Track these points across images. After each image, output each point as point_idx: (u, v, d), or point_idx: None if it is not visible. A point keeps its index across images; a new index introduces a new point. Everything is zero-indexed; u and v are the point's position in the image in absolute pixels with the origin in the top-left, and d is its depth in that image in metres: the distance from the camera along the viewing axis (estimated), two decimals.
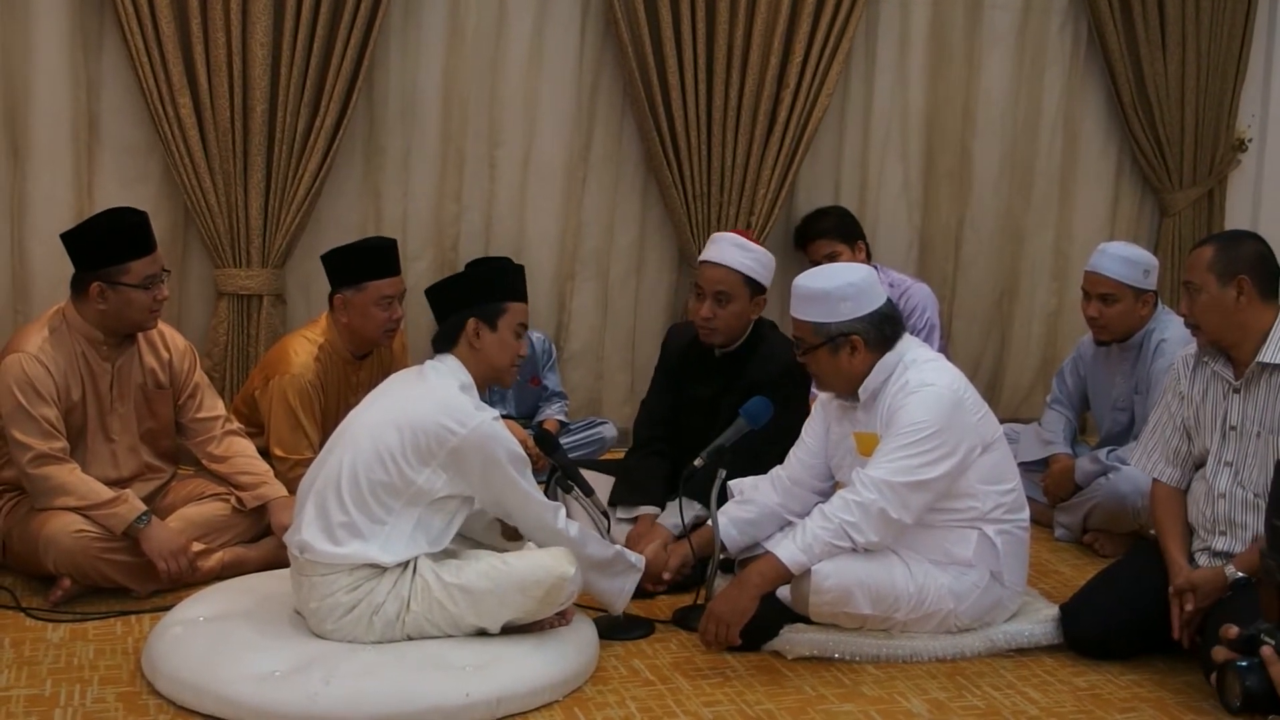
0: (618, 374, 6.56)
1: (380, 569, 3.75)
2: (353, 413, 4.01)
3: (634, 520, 4.77)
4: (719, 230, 6.27)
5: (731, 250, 4.83)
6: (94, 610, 4.30)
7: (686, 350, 5.04)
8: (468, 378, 3.94)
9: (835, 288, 4.14)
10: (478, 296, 3.98)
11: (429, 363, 4.01)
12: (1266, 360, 3.98)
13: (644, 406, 5.22)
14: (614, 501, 4.87)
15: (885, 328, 4.17)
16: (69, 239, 4.46)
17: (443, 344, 4.00)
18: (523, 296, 4.08)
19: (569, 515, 4.34)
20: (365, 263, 4.98)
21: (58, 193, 5.67)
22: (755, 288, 4.84)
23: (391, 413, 3.84)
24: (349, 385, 5.05)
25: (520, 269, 4.14)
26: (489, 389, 5.17)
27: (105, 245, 4.40)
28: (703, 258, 4.91)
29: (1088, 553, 5.24)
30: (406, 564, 3.79)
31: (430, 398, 3.85)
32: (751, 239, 4.96)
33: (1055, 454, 5.50)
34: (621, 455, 5.36)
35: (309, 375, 4.93)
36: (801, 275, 4.24)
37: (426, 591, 3.76)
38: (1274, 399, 3.99)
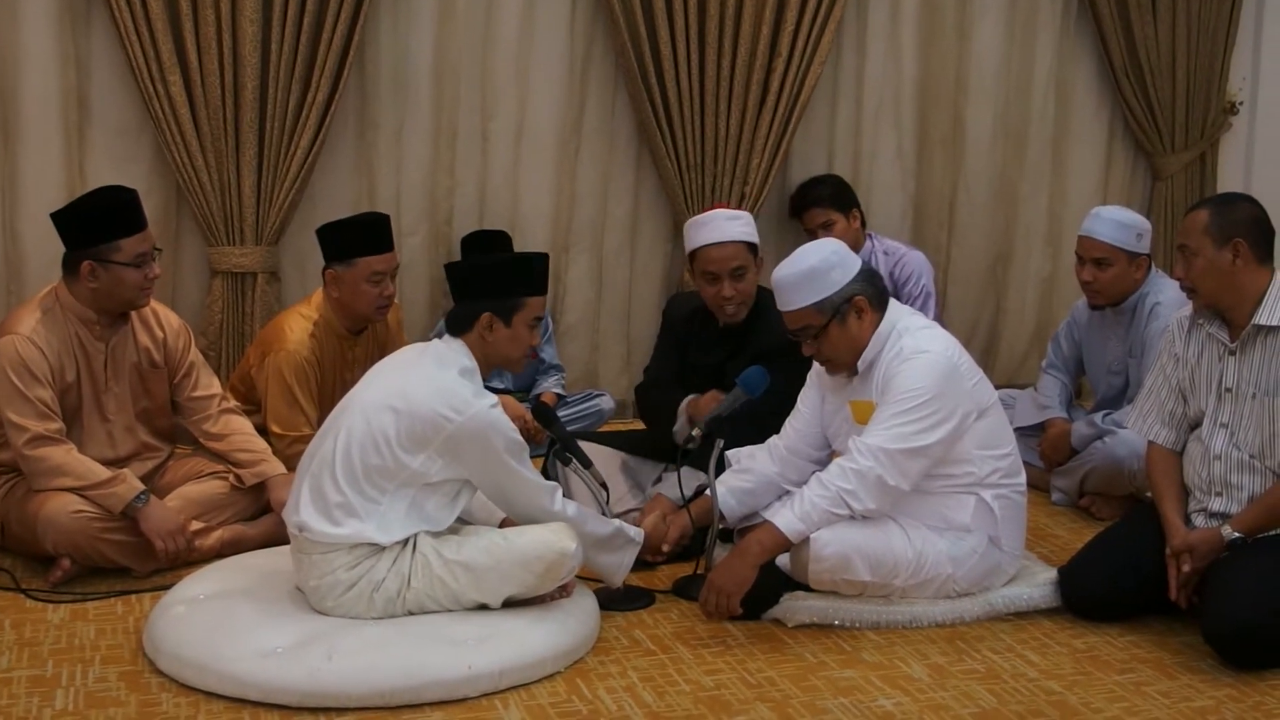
0: (614, 346, 6.56)
1: (379, 547, 3.76)
2: (351, 392, 3.99)
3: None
4: (710, 204, 6.29)
5: (726, 225, 4.80)
6: (94, 590, 4.30)
7: (690, 320, 5.04)
8: (471, 363, 3.91)
9: (820, 260, 4.12)
10: (496, 290, 3.93)
11: (435, 342, 3.99)
12: (1263, 322, 3.99)
13: (648, 372, 5.20)
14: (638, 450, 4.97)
15: (876, 281, 4.20)
16: (59, 218, 4.44)
17: (455, 328, 3.95)
18: (543, 290, 4.04)
19: (569, 488, 4.36)
20: (356, 238, 4.95)
21: (49, 173, 5.66)
22: (755, 250, 4.85)
23: (389, 395, 3.83)
24: (345, 361, 5.04)
25: (546, 260, 4.09)
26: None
27: (95, 224, 4.39)
28: (701, 243, 4.82)
29: (1085, 516, 5.26)
30: (406, 541, 3.79)
31: (429, 383, 3.83)
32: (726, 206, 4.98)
33: (1051, 419, 5.52)
34: (619, 427, 5.35)
35: (304, 352, 4.92)
36: (778, 268, 4.18)
37: (427, 568, 3.77)
38: (1270, 361, 4.00)
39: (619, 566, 4.14)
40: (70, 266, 4.43)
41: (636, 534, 4.18)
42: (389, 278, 4.99)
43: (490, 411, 3.80)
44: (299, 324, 4.98)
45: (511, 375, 6.01)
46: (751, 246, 4.82)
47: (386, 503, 3.76)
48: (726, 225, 4.80)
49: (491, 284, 3.94)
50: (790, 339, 4.24)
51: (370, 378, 4.01)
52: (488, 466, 3.83)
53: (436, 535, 3.84)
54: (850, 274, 4.13)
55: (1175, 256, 4.15)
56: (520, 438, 3.89)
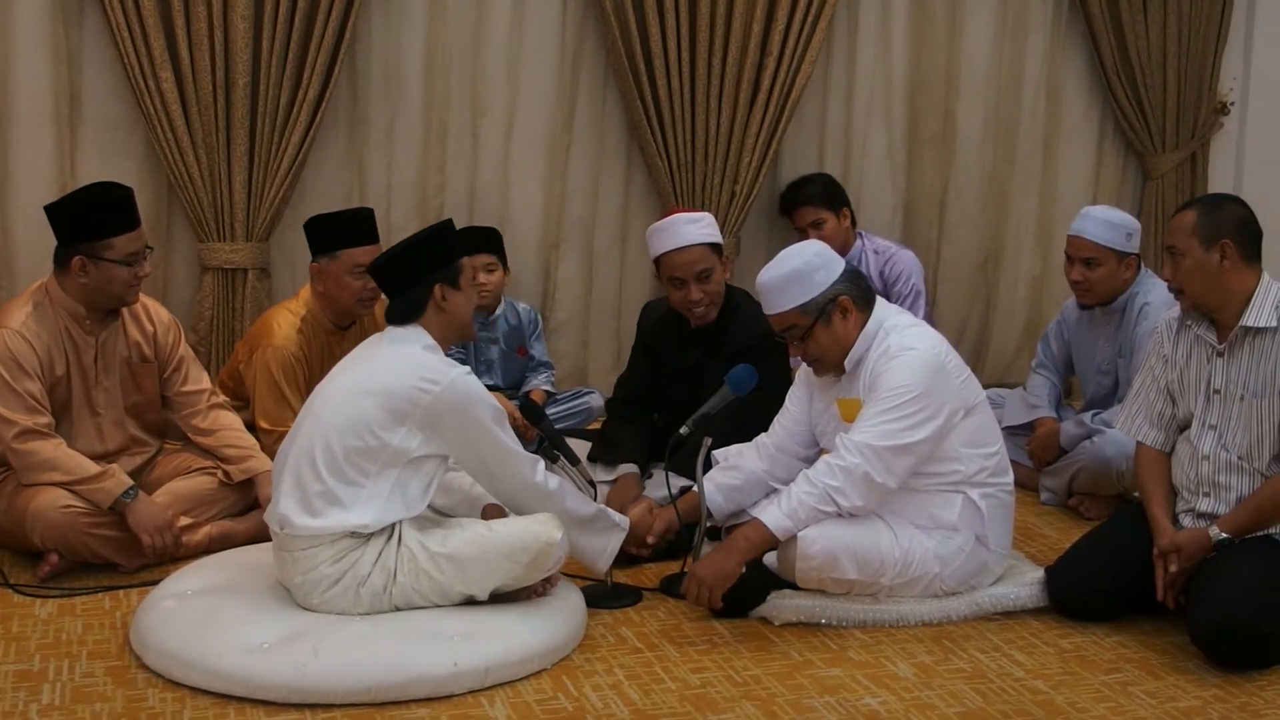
0: (604, 343, 6.57)
1: (363, 539, 3.75)
2: (318, 387, 3.99)
3: (614, 481, 4.79)
4: (700, 202, 6.30)
5: (688, 229, 4.80)
6: (82, 585, 4.30)
7: (663, 324, 5.05)
8: (431, 340, 3.92)
9: (804, 263, 4.13)
10: (436, 262, 3.93)
11: (388, 330, 3.98)
12: (1250, 324, 3.99)
13: (619, 382, 5.24)
14: (592, 458, 4.88)
15: (861, 281, 4.21)
16: (52, 211, 4.44)
17: (408, 316, 3.94)
18: (470, 249, 4.04)
19: None
20: (340, 230, 4.97)
21: (40, 167, 5.66)
22: (719, 250, 4.85)
23: (360, 380, 3.84)
24: (333, 356, 5.02)
25: (450, 224, 4.12)
26: (472, 359, 5.14)
27: (88, 219, 4.38)
28: (664, 249, 4.82)
29: (1073, 516, 5.26)
30: (390, 534, 3.79)
31: (399, 361, 3.84)
32: (687, 210, 4.97)
33: (1040, 418, 5.52)
34: None
35: (292, 347, 4.94)
36: (763, 272, 4.19)
37: (413, 562, 3.76)
38: (1257, 362, 4.00)
39: (601, 551, 4.13)
40: (61, 260, 4.43)
41: (621, 520, 4.17)
42: None
43: (466, 378, 3.82)
44: (287, 319, 4.99)
45: (501, 372, 6.00)
46: (715, 246, 4.83)
47: (370, 485, 3.76)
48: (687, 229, 4.80)
49: (428, 259, 3.94)
50: (769, 337, 4.25)
51: (336, 372, 4.01)
52: (468, 436, 3.84)
53: (421, 529, 3.83)
54: (834, 275, 4.14)
55: (1163, 257, 4.15)
56: (498, 404, 3.90)
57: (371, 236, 5.00)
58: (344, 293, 4.98)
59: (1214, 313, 4.07)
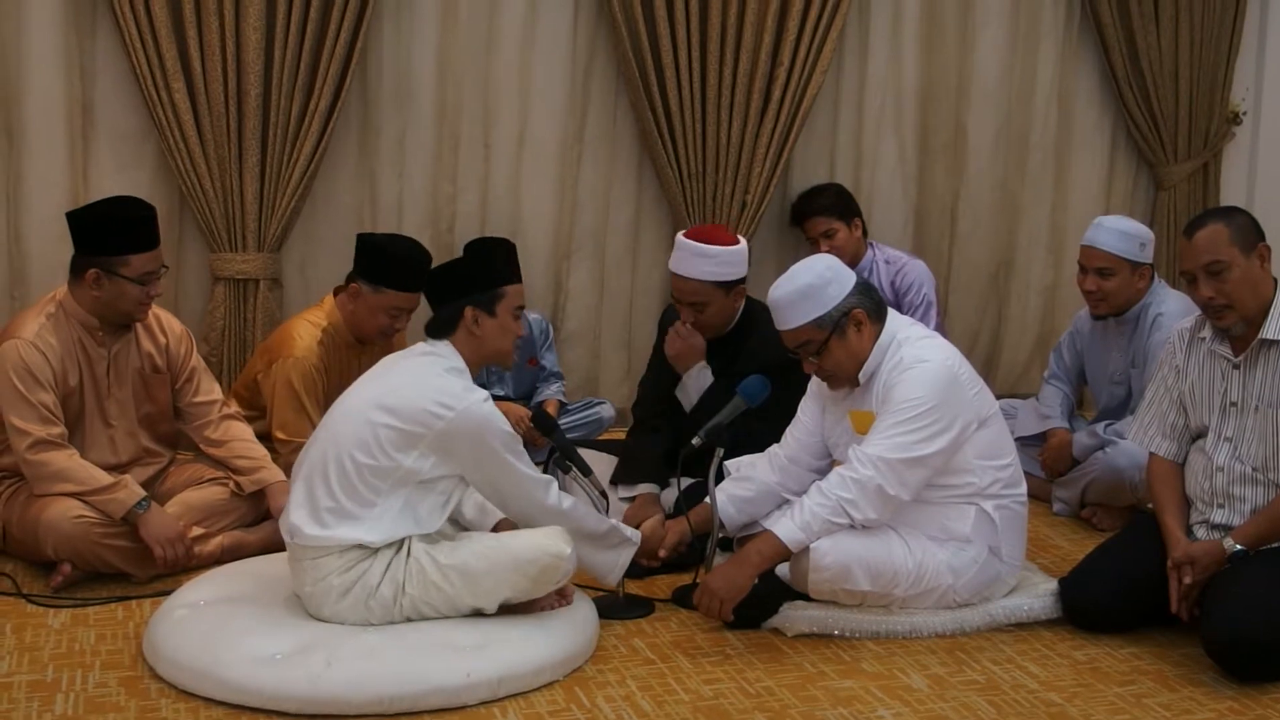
0: (615, 353, 6.56)
1: (371, 550, 3.75)
2: (339, 399, 3.99)
3: (633, 499, 4.79)
4: (711, 213, 6.29)
5: (692, 260, 4.76)
6: (94, 596, 4.30)
7: None
8: (460, 363, 3.91)
9: (816, 277, 4.12)
10: (474, 285, 3.94)
11: (420, 345, 4.00)
12: (1268, 336, 3.96)
13: (641, 387, 5.22)
14: (615, 480, 4.88)
15: (872, 294, 4.20)
16: (74, 219, 4.45)
17: (440, 332, 3.96)
18: (518, 277, 4.05)
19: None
20: (395, 270, 4.90)
21: (53, 178, 5.67)
22: (728, 285, 4.80)
23: (377, 396, 3.83)
24: (352, 369, 5.02)
25: (513, 248, 4.11)
26: (488, 370, 5.12)
27: (108, 234, 4.39)
28: (670, 267, 4.86)
29: (1086, 527, 5.25)
30: (399, 546, 3.79)
31: (417, 381, 3.84)
32: (718, 235, 4.84)
33: (1053, 429, 5.52)
34: (619, 435, 5.36)
35: (313, 359, 4.93)
36: (774, 288, 4.17)
37: (422, 575, 3.76)
38: (1273, 373, 3.99)
39: (613, 565, 4.13)
40: (77, 269, 4.44)
41: (633, 534, 4.17)
42: (406, 314, 4.99)
43: (482, 406, 3.80)
44: (308, 331, 4.99)
45: (512, 382, 6.01)
46: (717, 284, 4.77)
47: (381, 503, 3.76)
48: (694, 261, 4.76)
49: (468, 280, 3.95)
50: (788, 356, 4.23)
51: (358, 385, 4.00)
52: (481, 462, 3.83)
53: (430, 541, 3.83)
54: (846, 288, 4.13)
55: (1196, 280, 3.99)
56: (512, 429, 3.89)
57: (420, 285, 4.92)
58: (370, 322, 4.96)
59: (1251, 323, 4.01)
